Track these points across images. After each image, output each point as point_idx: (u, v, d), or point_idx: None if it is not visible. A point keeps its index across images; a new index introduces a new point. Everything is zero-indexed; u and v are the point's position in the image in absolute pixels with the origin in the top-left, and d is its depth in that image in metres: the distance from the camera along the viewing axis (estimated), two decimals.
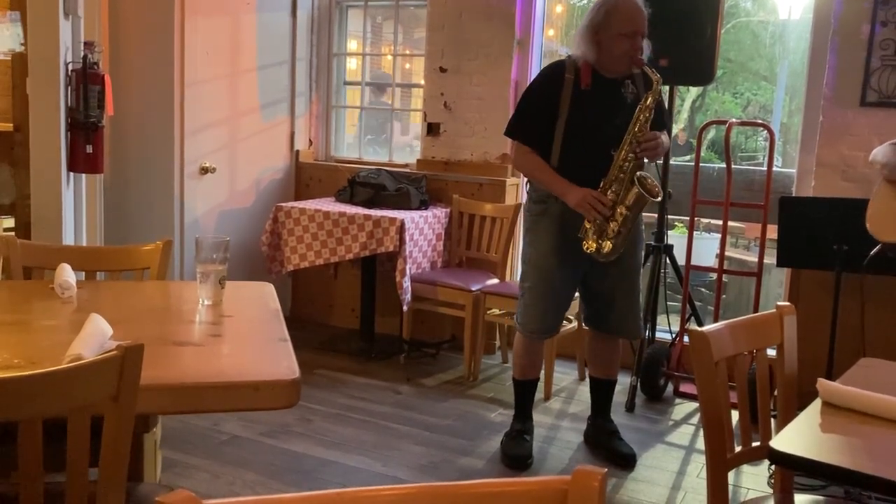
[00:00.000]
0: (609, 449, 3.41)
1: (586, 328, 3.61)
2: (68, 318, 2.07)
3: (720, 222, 4.07)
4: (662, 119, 3.24)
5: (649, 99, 3.01)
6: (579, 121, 3.09)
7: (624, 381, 4.04)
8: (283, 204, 4.69)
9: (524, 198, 3.36)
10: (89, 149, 3.61)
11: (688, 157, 4.34)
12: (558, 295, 3.28)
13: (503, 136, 3.36)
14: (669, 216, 4.20)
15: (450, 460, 3.34)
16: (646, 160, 3.09)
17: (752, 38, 7.19)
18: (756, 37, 7.15)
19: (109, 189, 4.36)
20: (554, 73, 3.13)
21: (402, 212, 4.50)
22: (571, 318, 4.23)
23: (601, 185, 3.05)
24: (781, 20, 6.46)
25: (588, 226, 3.07)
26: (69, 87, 3.57)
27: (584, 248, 3.08)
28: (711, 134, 6.33)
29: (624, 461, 3.35)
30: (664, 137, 3.16)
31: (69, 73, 3.56)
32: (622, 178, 3.02)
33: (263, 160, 5.15)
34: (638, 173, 3.00)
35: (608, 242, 3.04)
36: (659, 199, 3.06)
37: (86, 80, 3.55)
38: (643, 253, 3.43)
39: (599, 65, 3.07)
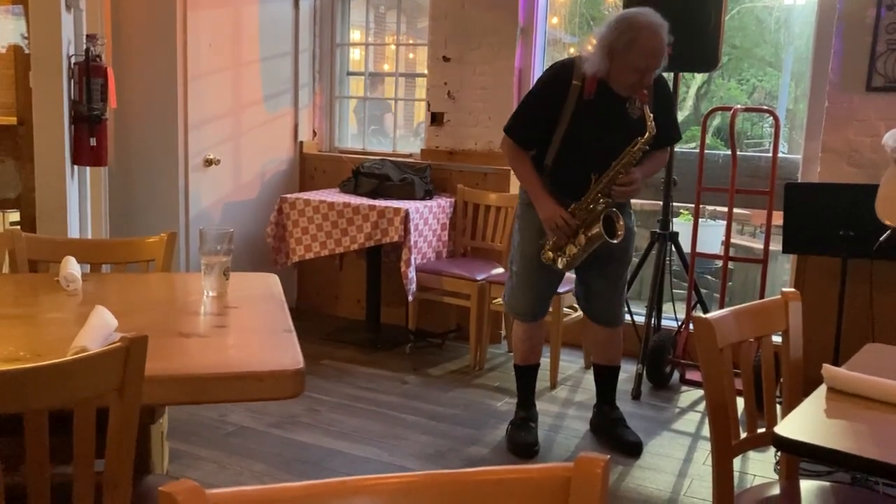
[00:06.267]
0: (615, 437, 3.42)
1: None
2: (73, 311, 2.07)
3: (725, 209, 4.06)
4: (669, 113, 3.24)
5: (638, 145, 3.01)
6: (578, 132, 3.10)
7: (630, 369, 4.05)
8: (288, 195, 4.70)
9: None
10: (93, 142, 3.61)
11: (693, 145, 4.33)
12: (542, 281, 3.34)
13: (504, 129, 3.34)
14: (675, 203, 4.19)
15: (456, 449, 3.35)
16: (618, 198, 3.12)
17: (756, 24, 7.15)
18: (761, 22, 7.11)
19: (114, 182, 4.37)
20: (561, 77, 3.09)
21: (406, 202, 4.49)
22: (576, 306, 4.23)
23: (572, 207, 3.11)
24: (786, 5, 6.43)
25: (549, 240, 3.20)
26: (72, 81, 3.57)
27: (541, 255, 3.22)
28: (717, 121, 6.30)
29: (630, 449, 3.35)
30: (640, 176, 3.10)
31: (72, 66, 3.56)
32: (593, 210, 3.10)
33: (267, 152, 5.15)
34: (610, 210, 3.08)
35: (563, 259, 3.19)
36: (616, 241, 3.10)
37: (88, 73, 3.55)
38: (633, 246, 3.43)
39: (608, 79, 3.04)
